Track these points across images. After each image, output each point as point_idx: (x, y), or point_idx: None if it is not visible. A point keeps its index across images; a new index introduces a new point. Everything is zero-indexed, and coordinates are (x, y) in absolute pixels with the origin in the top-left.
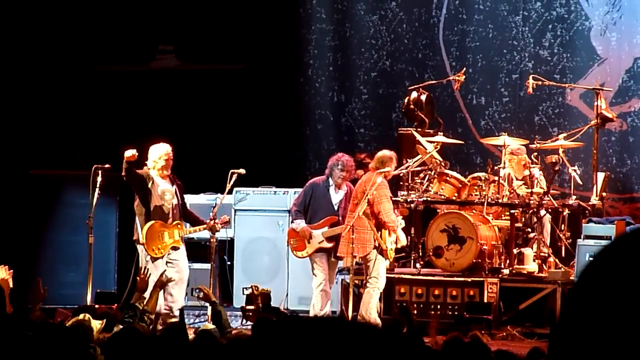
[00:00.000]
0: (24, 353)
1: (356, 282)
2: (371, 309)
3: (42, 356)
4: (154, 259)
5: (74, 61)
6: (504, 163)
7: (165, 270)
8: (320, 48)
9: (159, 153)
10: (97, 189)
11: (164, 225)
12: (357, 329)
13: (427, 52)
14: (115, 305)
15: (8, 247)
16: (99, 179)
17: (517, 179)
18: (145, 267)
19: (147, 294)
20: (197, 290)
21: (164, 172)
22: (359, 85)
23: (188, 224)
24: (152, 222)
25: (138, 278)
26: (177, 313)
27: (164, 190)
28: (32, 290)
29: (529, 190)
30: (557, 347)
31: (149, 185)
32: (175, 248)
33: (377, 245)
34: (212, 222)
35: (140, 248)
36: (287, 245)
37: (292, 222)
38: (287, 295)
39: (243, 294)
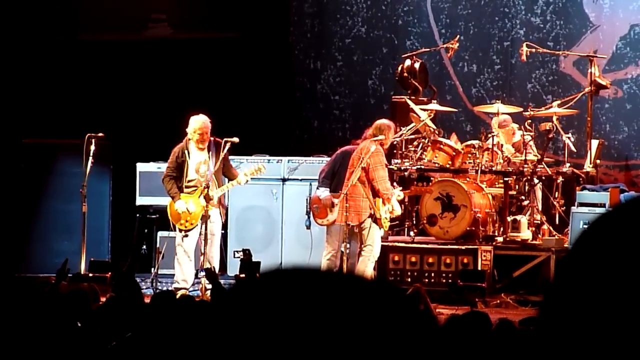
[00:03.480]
0: (23, 320)
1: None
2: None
3: (42, 323)
4: (187, 231)
5: (65, 30)
6: (496, 131)
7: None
8: (300, 15)
9: (194, 127)
10: (90, 158)
11: (185, 196)
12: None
13: (409, 19)
14: (110, 273)
15: (2, 216)
16: (93, 147)
17: (506, 143)
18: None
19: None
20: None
21: (200, 145)
22: (334, 52)
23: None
24: (170, 201)
25: None
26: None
27: (199, 163)
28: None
29: (522, 158)
30: (548, 314)
31: (185, 160)
32: (204, 216)
33: (372, 213)
34: (206, 189)
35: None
36: (309, 210)
37: (317, 188)
38: (281, 264)
39: (234, 257)
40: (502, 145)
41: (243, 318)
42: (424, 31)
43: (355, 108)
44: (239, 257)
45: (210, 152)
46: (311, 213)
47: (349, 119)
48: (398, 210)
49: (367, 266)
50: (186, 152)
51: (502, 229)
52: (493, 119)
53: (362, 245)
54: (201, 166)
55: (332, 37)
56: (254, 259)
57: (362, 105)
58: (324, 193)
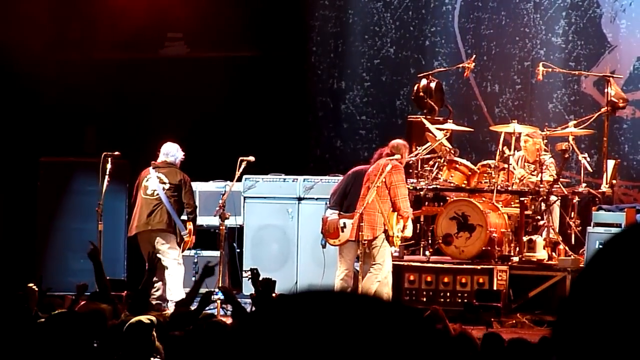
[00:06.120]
0: (39, 340)
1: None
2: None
3: (58, 343)
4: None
5: (82, 48)
6: (514, 150)
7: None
8: (322, 35)
9: (181, 153)
10: (106, 176)
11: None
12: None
13: (436, 40)
14: (125, 292)
15: (18, 234)
16: (109, 166)
17: (529, 162)
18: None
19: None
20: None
21: None
22: (361, 72)
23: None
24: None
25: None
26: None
27: None
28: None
29: (538, 178)
30: (562, 333)
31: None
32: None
33: (385, 230)
34: (221, 209)
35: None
36: (321, 232)
37: (327, 209)
38: (296, 283)
39: (242, 277)
40: (524, 163)
41: (265, 343)
42: (451, 52)
43: (383, 128)
44: (247, 277)
45: None
46: (323, 234)
47: (376, 139)
48: (409, 232)
49: (372, 284)
50: None
51: (517, 248)
52: (521, 133)
53: (372, 263)
54: None
55: (358, 58)
56: (270, 278)
57: (389, 125)
58: (332, 215)
